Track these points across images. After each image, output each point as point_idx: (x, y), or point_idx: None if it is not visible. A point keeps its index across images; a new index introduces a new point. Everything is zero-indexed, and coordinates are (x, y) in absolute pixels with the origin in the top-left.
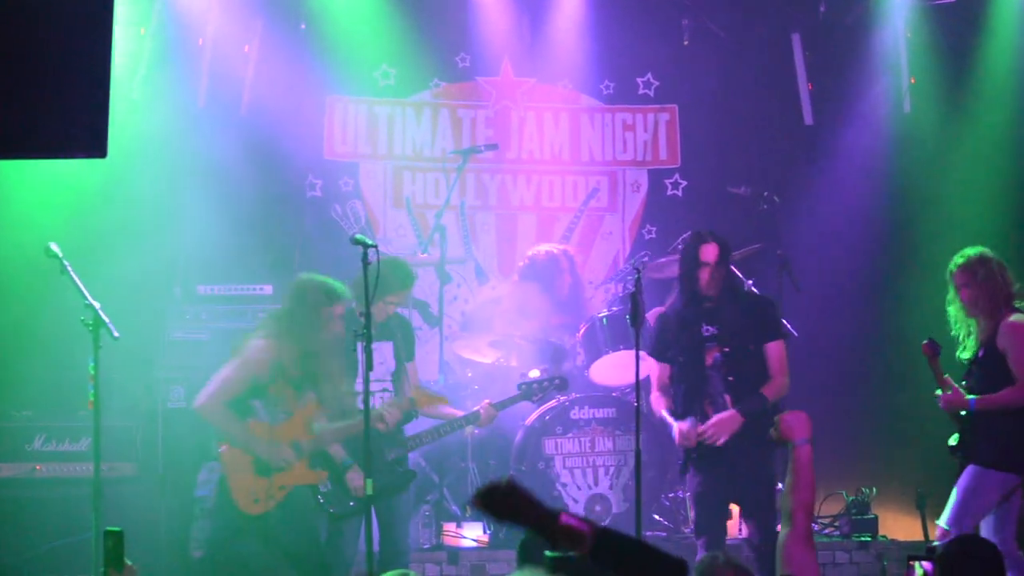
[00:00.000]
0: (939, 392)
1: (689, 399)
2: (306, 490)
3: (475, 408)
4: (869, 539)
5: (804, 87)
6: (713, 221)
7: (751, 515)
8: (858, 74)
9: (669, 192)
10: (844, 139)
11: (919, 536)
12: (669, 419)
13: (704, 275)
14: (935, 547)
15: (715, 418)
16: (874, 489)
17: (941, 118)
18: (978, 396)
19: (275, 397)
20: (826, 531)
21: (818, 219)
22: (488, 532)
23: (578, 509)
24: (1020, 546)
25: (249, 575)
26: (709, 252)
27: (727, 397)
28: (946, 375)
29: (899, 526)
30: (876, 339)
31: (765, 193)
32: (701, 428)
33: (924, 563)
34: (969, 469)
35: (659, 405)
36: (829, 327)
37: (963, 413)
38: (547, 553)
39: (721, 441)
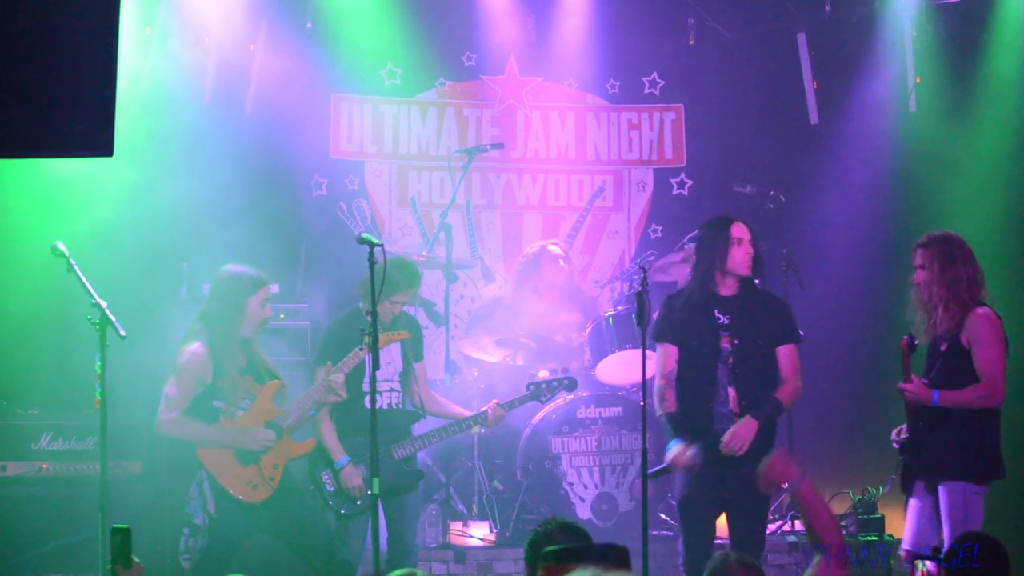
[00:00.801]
0: (901, 384)
1: (698, 387)
2: (303, 472)
3: (483, 408)
4: (876, 538)
5: (810, 86)
6: None
7: (740, 523)
8: (864, 73)
9: (675, 191)
10: (850, 138)
11: None
12: (671, 433)
13: (739, 253)
14: (939, 547)
15: (735, 430)
16: (881, 488)
17: (947, 117)
18: (942, 391)
19: (231, 391)
20: None
21: (824, 218)
22: (495, 531)
23: (584, 508)
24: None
25: (263, 567)
26: (741, 229)
27: (731, 390)
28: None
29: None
30: (882, 338)
31: (771, 192)
32: (724, 441)
33: (928, 563)
34: (949, 488)
35: (663, 404)
36: (835, 326)
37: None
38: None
39: (743, 451)
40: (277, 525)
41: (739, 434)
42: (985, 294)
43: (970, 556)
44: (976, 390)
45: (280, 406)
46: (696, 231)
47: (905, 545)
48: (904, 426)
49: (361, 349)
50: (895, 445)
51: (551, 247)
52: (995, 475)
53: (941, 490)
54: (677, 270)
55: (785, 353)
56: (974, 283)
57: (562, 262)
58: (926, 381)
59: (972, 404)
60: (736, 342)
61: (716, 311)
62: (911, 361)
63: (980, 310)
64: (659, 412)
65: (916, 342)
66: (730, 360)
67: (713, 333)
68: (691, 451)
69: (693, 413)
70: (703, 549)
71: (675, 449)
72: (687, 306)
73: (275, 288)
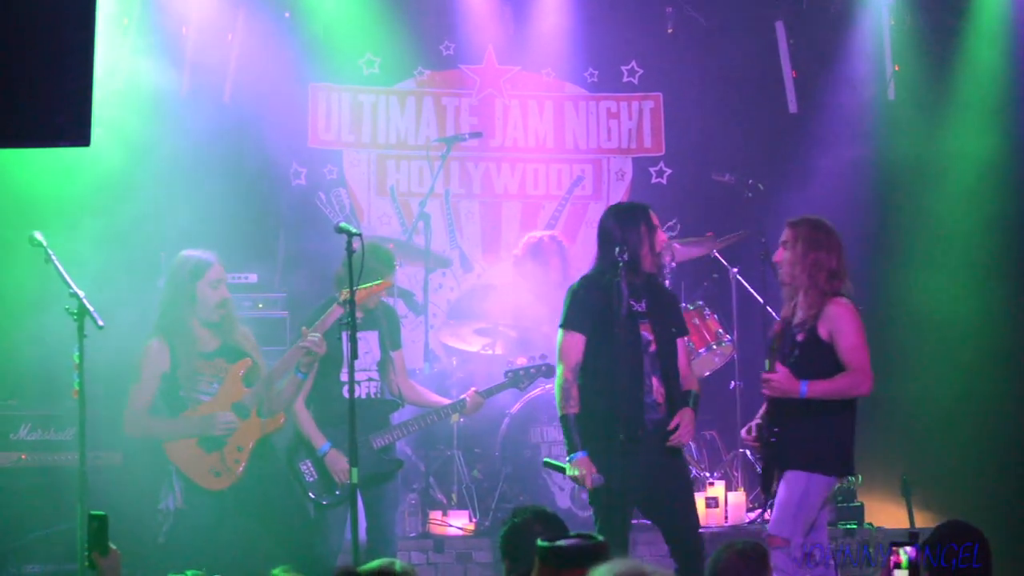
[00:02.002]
0: (765, 382)
1: (624, 380)
2: (273, 457)
3: (461, 396)
4: (855, 527)
5: (788, 75)
6: (698, 209)
7: (668, 511)
8: (842, 62)
9: (654, 180)
10: (828, 127)
11: (904, 523)
12: (576, 439)
13: (663, 238)
14: (917, 533)
15: (684, 424)
16: (859, 477)
17: (925, 105)
18: (810, 381)
19: (192, 378)
20: None
21: (803, 207)
22: (474, 520)
23: (564, 498)
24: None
25: (238, 554)
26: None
27: (655, 380)
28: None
29: (885, 513)
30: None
31: (750, 181)
32: (676, 436)
33: (908, 548)
34: (791, 475)
35: (569, 402)
36: None
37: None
38: (539, 542)
39: (687, 440)
40: (250, 509)
41: (687, 426)
42: (846, 288)
43: (950, 543)
44: (845, 378)
45: (251, 385)
46: (610, 217)
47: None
48: (754, 423)
49: (340, 305)
50: (749, 443)
51: (558, 236)
52: (843, 471)
53: (785, 477)
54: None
55: (682, 345)
56: (835, 273)
57: (561, 254)
58: (773, 362)
59: (841, 393)
60: (657, 330)
61: (631, 300)
62: (780, 346)
63: (839, 299)
64: (560, 411)
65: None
66: (651, 348)
67: (632, 320)
68: (594, 477)
69: (622, 405)
70: (617, 537)
71: (579, 467)
72: (604, 293)
73: (218, 270)
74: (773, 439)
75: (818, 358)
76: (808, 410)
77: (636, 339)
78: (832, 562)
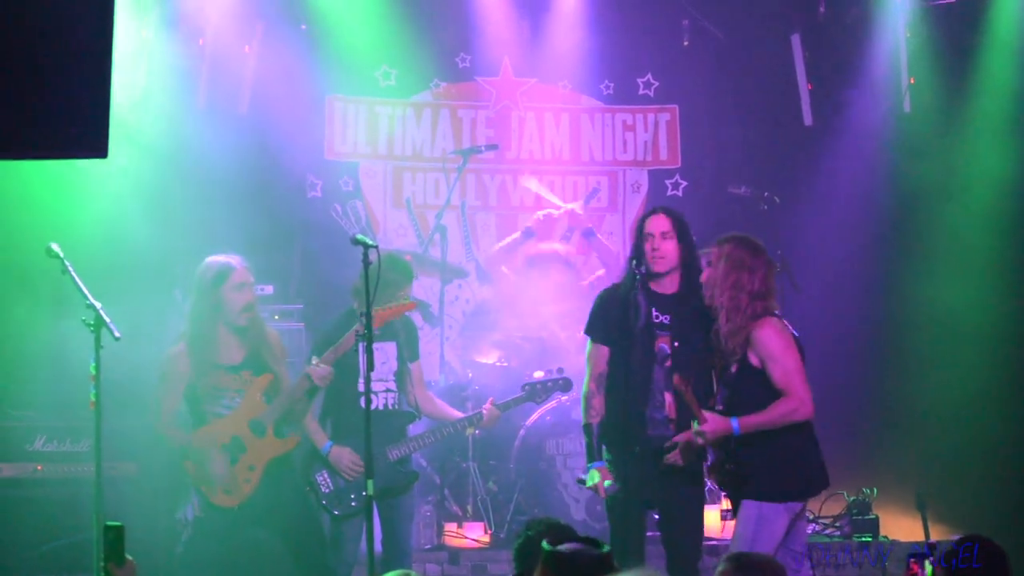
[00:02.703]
0: (695, 426)
1: (631, 393)
2: (290, 471)
3: (479, 409)
4: (870, 539)
5: (804, 87)
6: (713, 221)
7: (673, 531)
8: (858, 74)
9: (669, 192)
10: (844, 139)
11: (920, 536)
12: (594, 448)
13: (647, 248)
14: (935, 544)
15: (681, 446)
16: (875, 490)
17: (941, 118)
18: (741, 417)
19: (212, 391)
20: (827, 532)
21: (818, 219)
22: (489, 532)
23: (579, 510)
24: None
25: (253, 567)
26: (655, 224)
27: (668, 395)
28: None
29: (900, 527)
30: (876, 340)
31: (765, 194)
32: (669, 457)
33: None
34: (744, 505)
35: (591, 411)
36: (829, 327)
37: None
38: (544, 546)
39: (684, 462)
40: (264, 524)
41: (682, 450)
42: (771, 307)
43: (970, 556)
44: (780, 406)
45: (270, 402)
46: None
47: None
48: (711, 457)
49: (356, 332)
50: (706, 477)
51: (560, 249)
52: (803, 493)
53: (740, 507)
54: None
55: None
56: (757, 295)
57: (565, 261)
58: (721, 407)
59: (778, 422)
60: (676, 344)
61: (654, 310)
62: (692, 394)
63: (765, 321)
64: (584, 420)
65: (691, 377)
66: (667, 363)
67: (649, 333)
68: (607, 487)
69: (626, 417)
70: (632, 547)
71: (596, 477)
72: (621, 303)
73: (242, 273)
74: (729, 467)
75: (756, 387)
76: (756, 438)
77: (650, 352)
78: None
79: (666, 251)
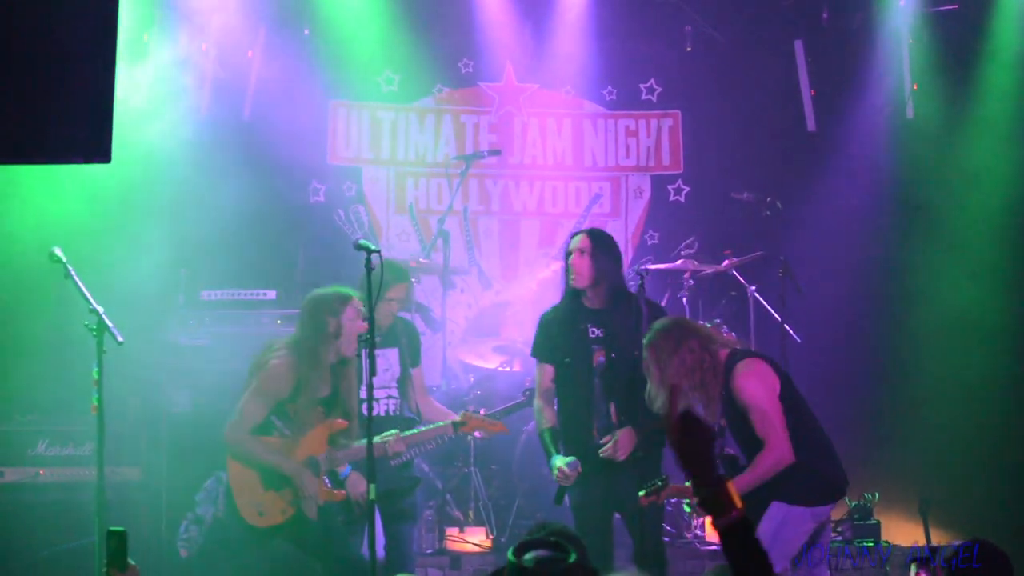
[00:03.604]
0: (688, 506)
1: (575, 404)
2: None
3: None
4: (872, 544)
5: (807, 93)
6: (716, 227)
7: (634, 521)
8: (861, 80)
9: (672, 198)
10: (847, 145)
11: (922, 541)
12: (551, 448)
13: (569, 263)
14: (937, 548)
15: (617, 440)
16: (876, 494)
17: (944, 124)
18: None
19: (294, 414)
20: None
21: (821, 225)
22: (491, 537)
23: None
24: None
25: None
26: (576, 242)
27: (612, 405)
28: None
29: (901, 531)
30: (878, 345)
31: (768, 199)
32: (604, 450)
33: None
34: (773, 506)
35: (543, 420)
36: (831, 332)
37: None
38: (509, 556)
39: (622, 458)
40: (291, 536)
41: (618, 443)
42: (725, 345)
43: (970, 556)
44: (763, 461)
45: (334, 445)
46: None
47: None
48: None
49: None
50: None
51: None
52: (825, 499)
53: (769, 507)
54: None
55: None
56: (698, 365)
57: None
58: (719, 460)
59: (766, 476)
60: (612, 355)
61: (589, 325)
62: (672, 491)
63: (737, 373)
64: (538, 429)
65: (662, 483)
66: (606, 375)
67: (586, 348)
68: (571, 463)
69: (574, 428)
70: (601, 549)
71: (560, 465)
72: (559, 322)
73: (358, 303)
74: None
75: (747, 430)
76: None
77: (587, 366)
78: None
79: (581, 268)
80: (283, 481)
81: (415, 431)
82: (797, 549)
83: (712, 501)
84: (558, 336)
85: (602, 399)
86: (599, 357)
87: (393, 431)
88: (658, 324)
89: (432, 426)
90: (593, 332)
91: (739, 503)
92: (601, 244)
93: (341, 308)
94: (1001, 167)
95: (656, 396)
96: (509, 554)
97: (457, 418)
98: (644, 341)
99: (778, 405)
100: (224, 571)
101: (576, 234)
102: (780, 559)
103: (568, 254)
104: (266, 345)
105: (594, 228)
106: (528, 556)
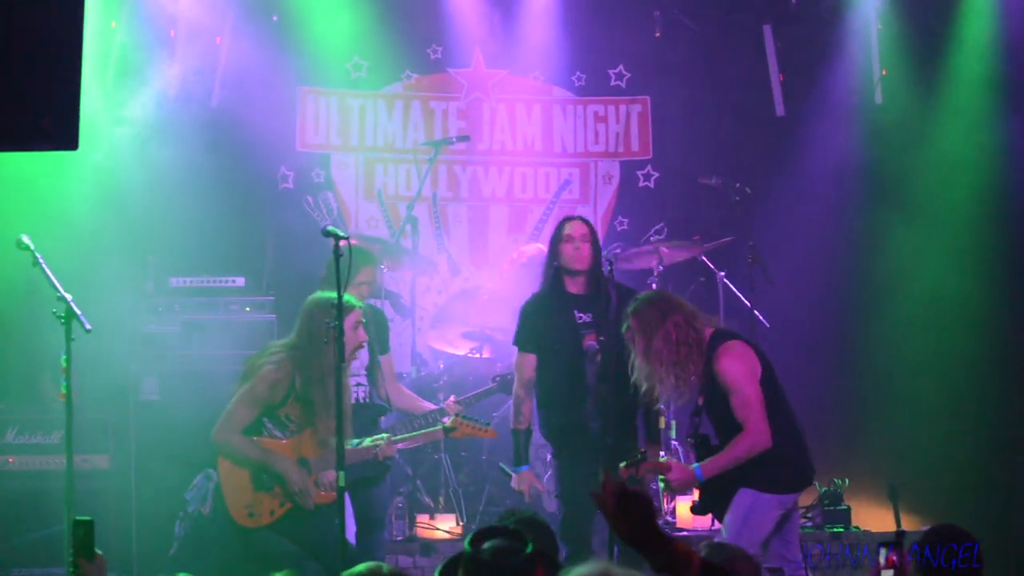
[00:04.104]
0: (663, 481)
1: (562, 390)
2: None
3: (441, 406)
4: (842, 530)
5: (776, 78)
6: (685, 212)
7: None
8: (830, 66)
9: (641, 183)
10: (816, 130)
11: (892, 526)
12: (520, 453)
13: (567, 249)
14: (904, 533)
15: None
16: (846, 480)
17: (913, 109)
18: (702, 463)
19: (286, 417)
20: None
21: (790, 210)
22: (461, 524)
23: (551, 501)
24: None
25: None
26: (576, 228)
27: (604, 387)
28: (663, 458)
29: (872, 517)
30: (847, 330)
31: (737, 184)
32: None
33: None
34: (740, 492)
35: (519, 419)
36: (800, 318)
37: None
38: (466, 547)
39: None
40: (282, 532)
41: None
42: (708, 324)
43: (942, 546)
44: (739, 443)
45: (323, 449)
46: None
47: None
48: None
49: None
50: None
51: (538, 251)
52: (794, 486)
53: (736, 494)
54: (642, 261)
55: None
56: (685, 341)
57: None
58: (692, 440)
59: (740, 459)
60: (602, 339)
61: (576, 311)
62: (649, 466)
63: (721, 353)
64: (512, 425)
65: (640, 461)
66: (597, 358)
67: (575, 333)
68: (533, 491)
69: (561, 414)
70: (586, 533)
71: (521, 481)
72: (545, 310)
73: (360, 313)
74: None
75: (725, 411)
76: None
77: (579, 350)
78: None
79: (584, 253)
80: (273, 481)
81: (406, 435)
82: (765, 536)
83: (670, 565)
84: (542, 324)
85: (595, 381)
86: (589, 341)
87: (384, 435)
88: (644, 295)
89: (422, 431)
90: (580, 317)
91: (695, 555)
92: (595, 231)
93: (345, 313)
94: (970, 153)
95: (640, 368)
96: (466, 543)
97: (447, 423)
98: (629, 310)
99: (759, 390)
100: (205, 564)
101: (569, 219)
102: (750, 547)
103: (562, 240)
104: (262, 348)
105: (585, 217)
106: (484, 546)
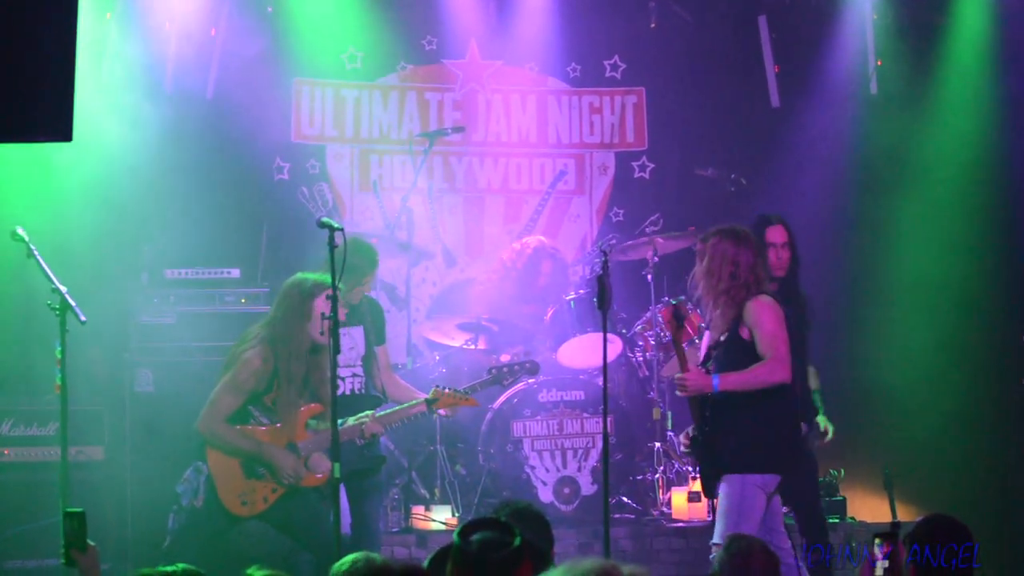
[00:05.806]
0: (679, 374)
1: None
2: (307, 497)
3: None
4: (838, 520)
5: (771, 69)
6: (680, 203)
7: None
8: (825, 56)
9: (636, 174)
10: (811, 121)
11: (887, 517)
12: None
13: (771, 256)
14: (899, 524)
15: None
16: (842, 471)
17: (907, 100)
18: (722, 374)
19: (272, 403)
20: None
21: (785, 201)
22: (457, 515)
23: (547, 492)
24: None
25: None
26: (776, 234)
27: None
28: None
29: (867, 507)
30: (842, 321)
31: (732, 175)
32: None
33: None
34: (727, 479)
35: None
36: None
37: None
38: (455, 538)
39: None
40: (275, 522)
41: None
42: (765, 288)
43: (934, 537)
44: (760, 367)
45: (312, 430)
46: None
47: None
48: (689, 429)
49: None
50: (682, 449)
51: (546, 242)
52: (781, 466)
53: (723, 482)
54: (637, 252)
55: None
56: (744, 285)
57: (555, 259)
58: (693, 440)
59: (756, 382)
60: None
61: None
62: (682, 337)
63: (760, 298)
64: None
65: (684, 312)
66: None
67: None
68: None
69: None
70: None
71: None
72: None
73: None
74: (700, 437)
75: (738, 354)
76: (734, 409)
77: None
78: (796, 563)
79: (785, 260)
80: (263, 468)
81: (389, 411)
82: (759, 519)
83: None
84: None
85: None
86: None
87: (368, 412)
88: (731, 227)
89: (405, 404)
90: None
91: None
92: (793, 235)
93: (318, 292)
94: (964, 143)
95: (696, 280)
96: (455, 535)
97: (428, 395)
98: (714, 230)
99: (788, 339)
100: (198, 554)
101: (770, 226)
102: (748, 527)
103: (768, 245)
104: (240, 336)
105: (784, 219)
106: (473, 538)
